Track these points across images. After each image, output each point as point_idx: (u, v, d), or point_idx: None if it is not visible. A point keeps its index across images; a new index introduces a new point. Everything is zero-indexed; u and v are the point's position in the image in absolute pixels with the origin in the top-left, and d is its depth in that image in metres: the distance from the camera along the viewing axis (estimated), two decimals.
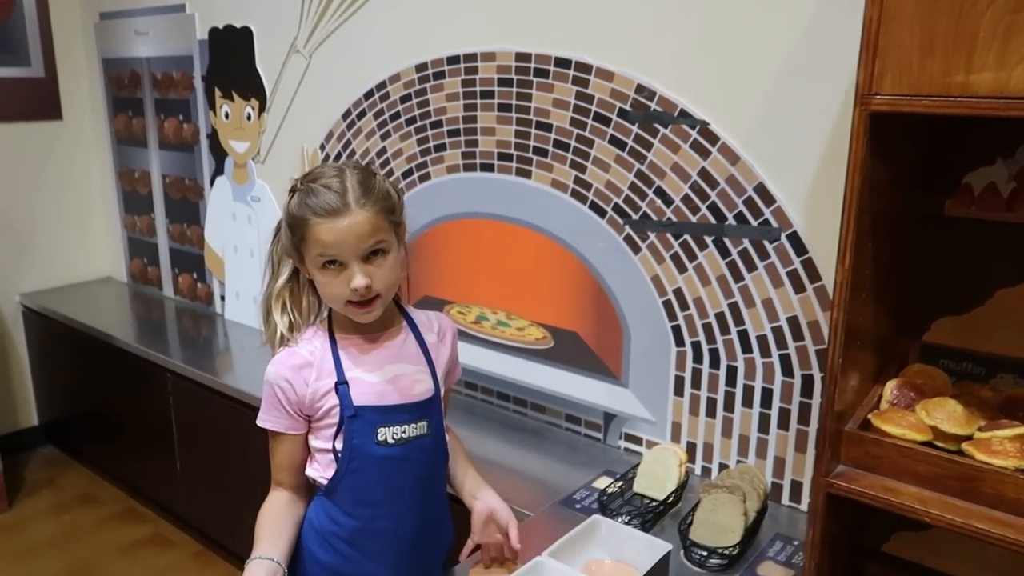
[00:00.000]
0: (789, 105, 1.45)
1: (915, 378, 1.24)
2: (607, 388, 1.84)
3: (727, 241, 1.57)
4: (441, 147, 2.02)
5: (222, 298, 2.85)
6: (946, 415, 1.10)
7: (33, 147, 3.13)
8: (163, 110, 2.89)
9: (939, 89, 0.92)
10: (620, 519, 1.49)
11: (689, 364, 1.68)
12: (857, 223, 1.01)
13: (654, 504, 1.57)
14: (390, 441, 1.20)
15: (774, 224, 1.51)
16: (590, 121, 1.73)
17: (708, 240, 1.60)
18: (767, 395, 1.58)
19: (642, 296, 1.72)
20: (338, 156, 2.30)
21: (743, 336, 1.59)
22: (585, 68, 1.70)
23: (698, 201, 1.60)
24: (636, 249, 1.71)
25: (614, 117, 1.68)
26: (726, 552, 1.39)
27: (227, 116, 2.62)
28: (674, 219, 1.64)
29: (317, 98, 2.33)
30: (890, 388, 1.21)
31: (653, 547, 1.29)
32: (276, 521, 1.21)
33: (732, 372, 1.62)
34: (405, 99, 2.07)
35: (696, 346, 1.66)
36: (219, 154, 2.70)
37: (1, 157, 3.04)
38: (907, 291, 1.32)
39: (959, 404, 1.12)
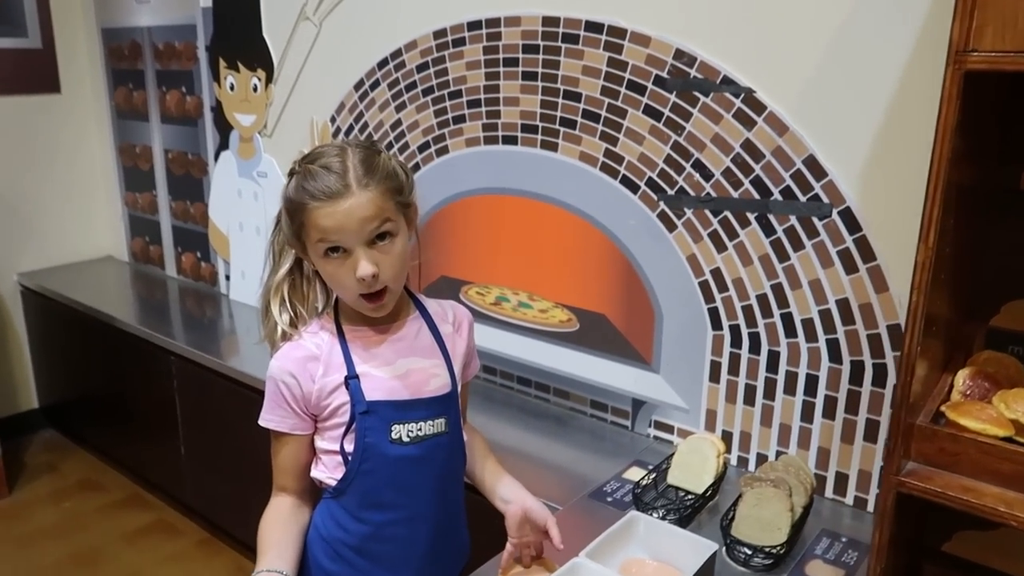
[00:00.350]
0: (844, 70, 1.34)
1: (986, 366, 1.14)
2: (636, 373, 1.74)
3: (772, 218, 1.47)
4: (460, 119, 1.91)
5: (227, 278, 2.75)
6: None
7: (30, 121, 3.01)
8: (165, 82, 2.78)
9: None
10: (655, 513, 1.40)
11: (727, 349, 1.58)
12: (944, 197, 0.91)
13: (691, 498, 1.48)
14: (405, 439, 1.11)
15: (825, 199, 1.40)
16: (623, 90, 1.62)
17: (751, 217, 1.50)
18: (812, 382, 1.49)
19: (677, 277, 1.62)
20: (349, 129, 2.19)
21: (787, 319, 1.49)
22: (619, 33, 1.59)
23: (741, 175, 1.49)
24: (671, 227, 1.61)
25: (650, 85, 1.57)
26: (772, 551, 1.30)
27: (232, 88, 2.50)
28: (714, 194, 1.53)
29: (328, 68, 2.21)
30: (962, 378, 1.11)
31: (698, 547, 1.20)
32: (281, 530, 1.12)
33: (774, 357, 1.52)
34: (422, 68, 1.95)
35: (735, 330, 1.56)
36: (224, 128, 2.59)
37: None
38: (978, 271, 1.22)
39: None
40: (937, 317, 1.02)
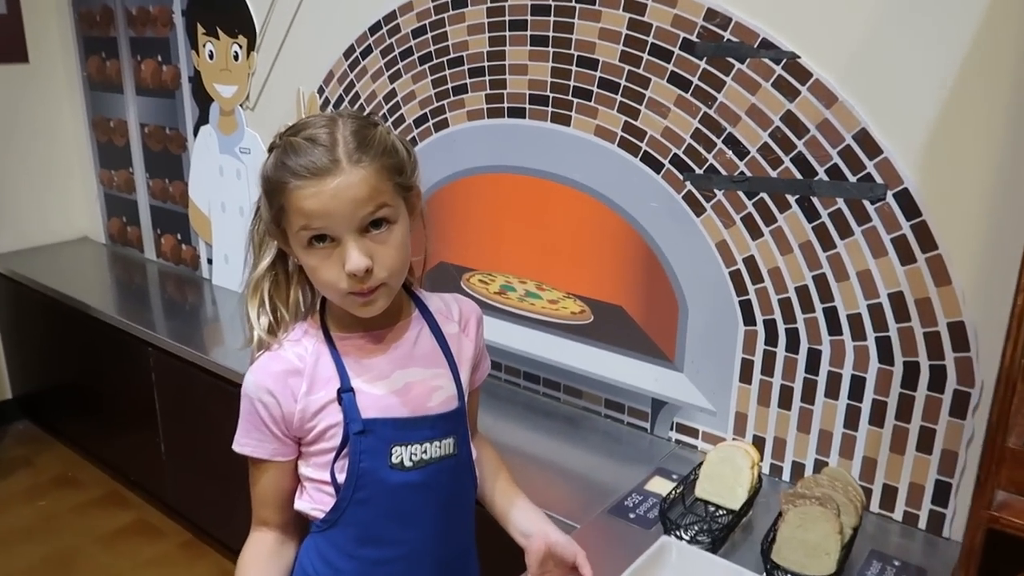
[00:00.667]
0: (904, 30, 1.17)
1: None
2: (657, 371, 1.58)
3: (816, 201, 1.30)
4: (461, 89, 1.73)
5: (209, 261, 2.58)
6: None
7: None
8: (139, 50, 2.57)
9: None
10: (685, 533, 1.25)
11: (760, 346, 1.43)
12: None
13: (721, 513, 1.32)
14: (407, 463, 0.94)
15: (878, 180, 1.24)
16: (646, 55, 1.44)
17: (791, 199, 1.33)
18: (858, 385, 1.33)
19: (704, 265, 1.45)
20: (339, 101, 2.00)
21: (830, 314, 1.33)
22: None
23: (780, 152, 1.32)
24: (699, 210, 1.44)
25: (676, 50, 1.40)
26: None
27: (211, 56, 2.31)
28: (749, 174, 1.37)
29: (315, 34, 2.02)
30: None
31: None
32: (261, 571, 0.97)
33: (814, 357, 1.37)
34: (418, 33, 1.77)
35: (770, 325, 1.40)
36: (203, 100, 2.40)
37: None
38: None
39: None
40: None
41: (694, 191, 1.44)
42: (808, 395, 1.39)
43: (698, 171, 1.42)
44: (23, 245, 2.94)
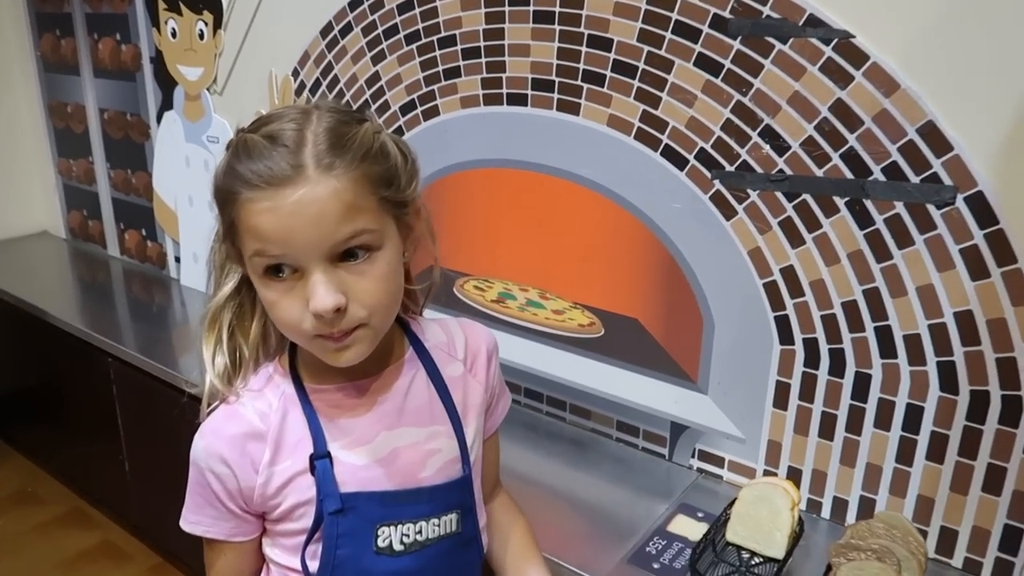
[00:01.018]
0: (981, 7, 0.99)
1: None
2: (677, 392, 1.41)
3: (869, 204, 1.13)
4: (454, 72, 1.53)
5: (177, 260, 2.37)
6: None
7: None
8: (96, 28, 2.34)
9: None
10: None
11: (798, 367, 1.25)
12: None
13: (757, 562, 1.16)
14: (397, 547, 0.77)
15: (946, 181, 1.06)
16: (668, 34, 1.25)
17: (839, 202, 1.15)
18: (914, 415, 1.16)
19: (734, 275, 1.28)
20: (316, 85, 1.80)
21: (883, 334, 1.16)
22: None
23: (828, 147, 1.14)
24: (729, 212, 1.26)
25: (705, 29, 1.21)
26: None
27: (174, 34, 2.09)
28: (789, 172, 1.18)
29: (289, 9, 1.81)
30: None
31: None
32: None
33: (863, 381, 1.20)
34: (405, 8, 1.56)
35: (811, 345, 1.23)
36: (166, 83, 2.18)
37: None
38: None
39: None
40: None
41: (724, 191, 1.26)
42: (854, 425, 1.22)
43: (729, 168, 1.24)
44: None
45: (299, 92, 1.84)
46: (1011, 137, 1.01)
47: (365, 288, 0.69)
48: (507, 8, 1.41)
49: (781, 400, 1.28)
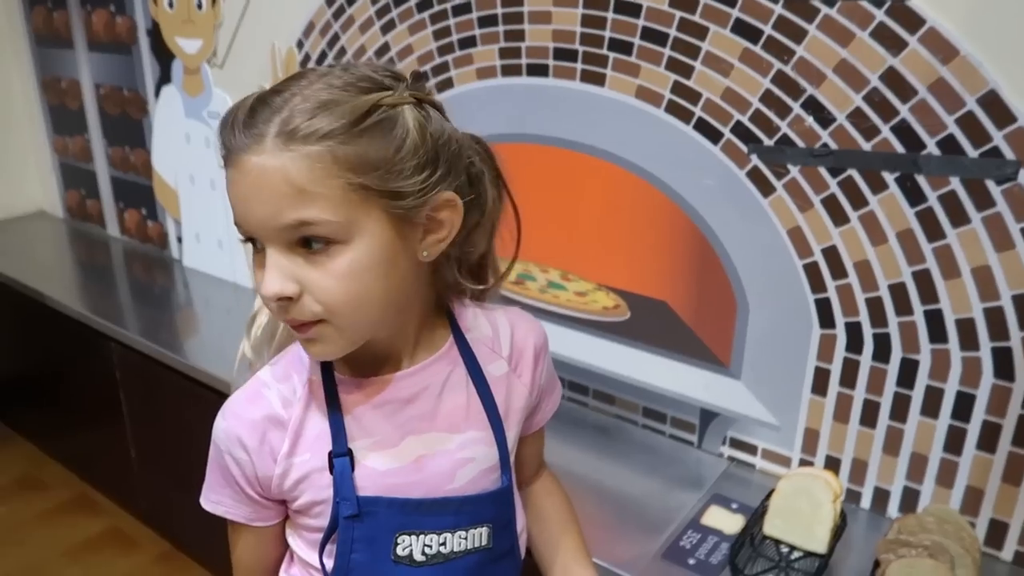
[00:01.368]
0: None
1: None
2: (708, 377, 1.34)
3: (922, 180, 1.05)
4: (469, 41, 1.45)
5: (179, 240, 2.30)
6: None
7: None
8: None
9: None
10: None
11: (840, 353, 1.19)
12: None
13: (798, 556, 1.10)
14: (418, 557, 0.71)
15: (1009, 155, 0.99)
16: None
17: (889, 178, 1.08)
18: (965, 402, 1.10)
19: (772, 256, 1.21)
20: (322, 57, 1.71)
21: (934, 318, 1.09)
22: None
23: (877, 119, 1.07)
24: (767, 189, 1.19)
25: None
26: None
27: (171, 5, 1.99)
28: (834, 146, 1.11)
29: None
30: None
31: None
32: None
33: (910, 368, 1.13)
34: None
35: (853, 329, 1.17)
36: (164, 56, 2.09)
37: None
38: None
39: None
40: None
41: (761, 166, 1.18)
42: (899, 412, 1.16)
43: (767, 142, 1.17)
44: None
45: (303, 64, 1.76)
46: None
47: (319, 283, 0.62)
48: None
49: (820, 386, 1.22)
